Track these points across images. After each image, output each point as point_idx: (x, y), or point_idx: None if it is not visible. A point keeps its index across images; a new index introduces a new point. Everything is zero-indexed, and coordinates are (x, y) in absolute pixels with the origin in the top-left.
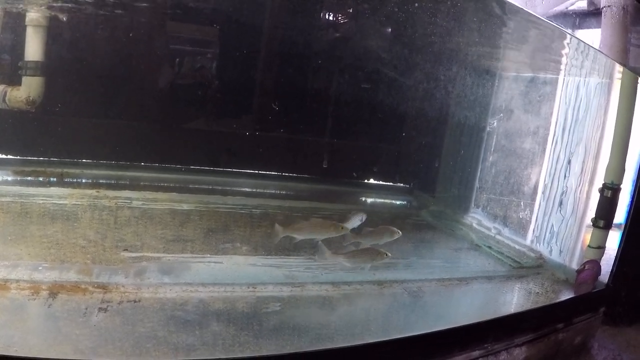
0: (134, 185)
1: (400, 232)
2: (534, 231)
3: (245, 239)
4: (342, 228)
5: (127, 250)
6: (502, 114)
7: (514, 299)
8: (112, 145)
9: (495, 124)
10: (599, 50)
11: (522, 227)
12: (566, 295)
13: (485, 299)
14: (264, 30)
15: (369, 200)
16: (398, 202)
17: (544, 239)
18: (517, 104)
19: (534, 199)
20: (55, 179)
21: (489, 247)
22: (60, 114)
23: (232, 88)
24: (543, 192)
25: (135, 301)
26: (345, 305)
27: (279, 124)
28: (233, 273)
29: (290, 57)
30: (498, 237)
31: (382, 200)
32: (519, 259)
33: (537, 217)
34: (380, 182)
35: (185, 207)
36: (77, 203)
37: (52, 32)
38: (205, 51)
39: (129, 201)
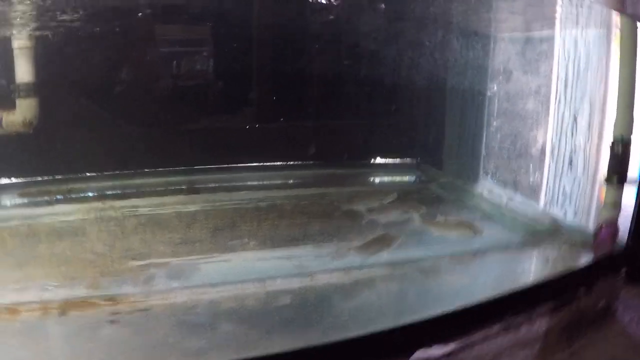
0: (139, 193)
1: None
2: (546, 195)
3: (252, 233)
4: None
5: (134, 259)
6: (501, 77)
7: (531, 268)
8: (113, 155)
9: (495, 87)
10: None
11: (533, 192)
12: (585, 259)
13: (501, 271)
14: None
15: (377, 180)
16: (407, 178)
17: (557, 201)
18: (514, 64)
19: (542, 161)
20: (61, 197)
21: (502, 215)
22: (57, 131)
23: (222, 79)
24: (552, 153)
25: (145, 310)
26: (357, 291)
27: (272, 112)
28: (242, 270)
29: (266, 38)
30: (510, 204)
31: (390, 178)
32: (532, 225)
33: (547, 179)
34: (386, 161)
35: (191, 208)
36: (83, 218)
37: (40, 52)
38: (198, 50)
39: (135, 209)
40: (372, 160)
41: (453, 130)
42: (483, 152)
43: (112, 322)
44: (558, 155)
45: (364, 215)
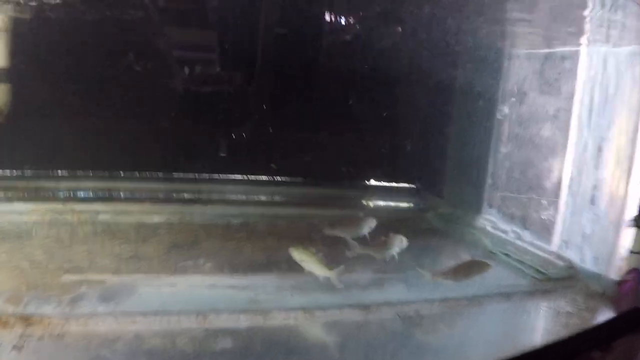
0: (106, 198)
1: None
2: (561, 234)
3: (212, 254)
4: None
5: (69, 272)
6: (514, 98)
7: (539, 323)
8: (88, 153)
9: (506, 110)
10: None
11: (545, 230)
12: (605, 313)
13: (502, 325)
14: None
15: (370, 204)
16: (403, 205)
17: (574, 243)
18: (531, 84)
19: (558, 196)
20: (26, 195)
21: (507, 255)
22: (30, 122)
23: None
24: (570, 187)
25: (59, 336)
26: (317, 339)
27: (264, 122)
28: (184, 298)
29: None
30: (517, 242)
31: (384, 203)
32: (544, 269)
33: (564, 217)
34: (382, 183)
35: (156, 219)
36: (37, 219)
37: (14, 35)
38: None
39: (95, 215)
40: (366, 182)
41: (456, 155)
42: (488, 181)
43: (16, 347)
44: (578, 190)
45: (344, 243)
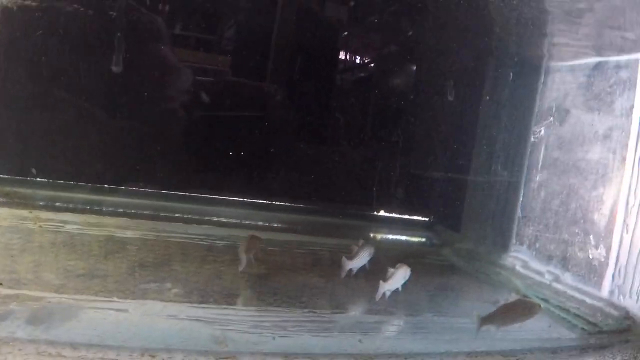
0: (81, 209)
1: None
2: (614, 278)
3: (182, 278)
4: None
5: (5, 285)
6: (552, 117)
7: None
8: (70, 162)
9: (542, 131)
10: None
11: (593, 272)
12: None
13: None
14: None
15: (378, 236)
16: (415, 239)
17: (632, 289)
18: (574, 101)
19: (611, 231)
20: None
21: (545, 301)
22: (9, 124)
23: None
24: (625, 222)
25: None
26: None
27: (264, 140)
28: (133, 329)
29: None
30: (556, 285)
31: (395, 237)
32: (594, 320)
33: (617, 256)
34: (392, 215)
35: (129, 234)
36: None
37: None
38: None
39: (61, 225)
40: (375, 213)
41: (478, 185)
42: (519, 213)
43: None
44: (636, 224)
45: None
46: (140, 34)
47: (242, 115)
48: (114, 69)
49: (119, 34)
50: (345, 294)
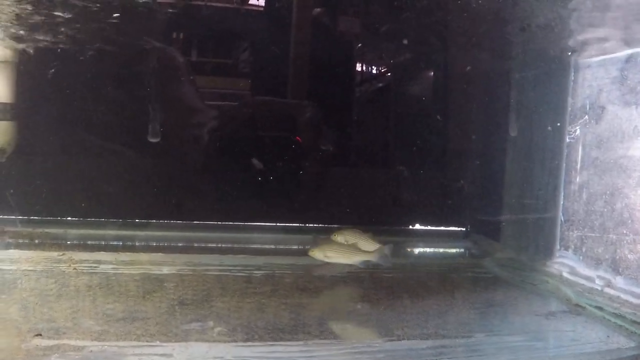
0: (113, 246)
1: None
2: None
3: (225, 314)
4: None
5: (42, 335)
6: (587, 115)
7: None
8: (101, 200)
9: (578, 130)
10: None
11: None
12: None
13: None
14: None
15: (415, 250)
16: (453, 251)
17: None
18: (609, 96)
19: None
20: (24, 241)
21: (599, 308)
22: (36, 163)
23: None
24: None
25: None
26: None
27: (293, 163)
28: None
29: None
30: (608, 290)
31: (432, 250)
32: None
33: None
34: (427, 228)
35: (165, 270)
36: (28, 268)
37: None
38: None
39: (95, 265)
40: (410, 227)
41: (515, 190)
42: (560, 217)
43: None
44: None
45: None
46: (167, 72)
47: (270, 136)
48: (151, 139)
49: (152, 106)
50: (390, 318)
